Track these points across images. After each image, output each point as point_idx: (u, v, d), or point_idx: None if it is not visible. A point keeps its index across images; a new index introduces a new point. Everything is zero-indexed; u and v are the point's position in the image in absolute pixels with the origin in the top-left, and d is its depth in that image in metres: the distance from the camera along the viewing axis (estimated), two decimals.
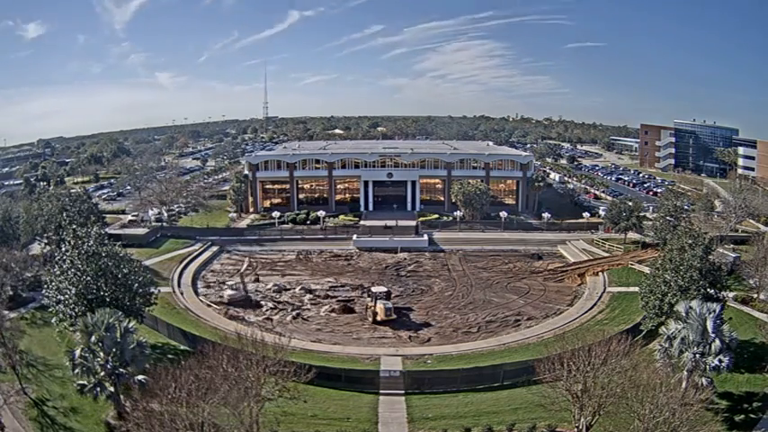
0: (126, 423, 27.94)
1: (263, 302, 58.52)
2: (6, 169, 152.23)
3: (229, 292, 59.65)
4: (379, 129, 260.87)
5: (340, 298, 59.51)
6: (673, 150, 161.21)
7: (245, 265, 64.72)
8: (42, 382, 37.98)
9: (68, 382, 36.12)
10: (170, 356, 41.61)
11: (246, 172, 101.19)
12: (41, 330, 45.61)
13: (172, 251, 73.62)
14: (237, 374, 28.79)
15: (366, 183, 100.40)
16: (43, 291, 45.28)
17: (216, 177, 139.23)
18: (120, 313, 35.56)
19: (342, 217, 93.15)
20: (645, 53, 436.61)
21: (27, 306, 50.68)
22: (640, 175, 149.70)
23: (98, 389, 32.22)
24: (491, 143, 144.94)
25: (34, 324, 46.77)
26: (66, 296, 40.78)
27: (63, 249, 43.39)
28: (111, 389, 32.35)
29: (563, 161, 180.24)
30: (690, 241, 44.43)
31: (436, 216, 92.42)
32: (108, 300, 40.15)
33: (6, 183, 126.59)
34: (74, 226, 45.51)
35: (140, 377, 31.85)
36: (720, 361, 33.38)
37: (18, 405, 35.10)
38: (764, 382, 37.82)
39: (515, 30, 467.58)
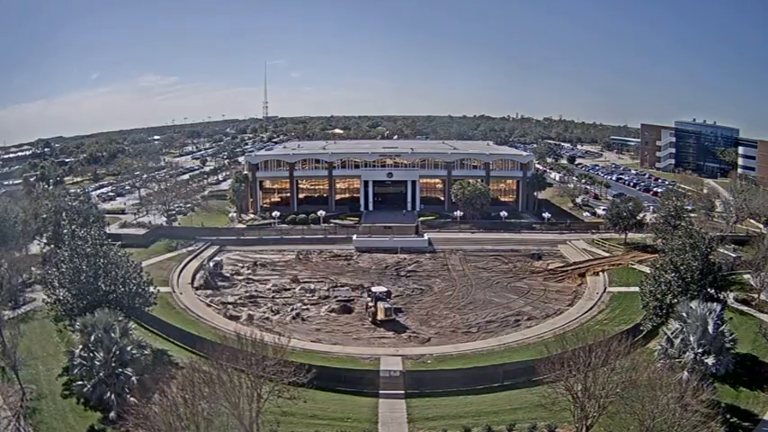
0: (125, 423, 27.84)
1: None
2: (6, 169, 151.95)
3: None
4: (379, 129, 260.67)
5: (340, 298, 59.46)
6: (673, 150, 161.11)
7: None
8: (41, 381, 37.89)
9: (68, 381, 36.11)
10: (169, 356, 41.51)
11: (246, 172, 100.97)
12: (40, 330, 45.50)
13: (171, 251, 73.58)
14: (237, 375, 28.70)
15: (366, 182, 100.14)
16: (42, 290, 45.26)
17: (215, 177, 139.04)
18: (120, 313, 35.56)
19: (342, 217, 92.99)
20: (645, 52, 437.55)
21: (26, 306, 50.51)
22: (641, 175, 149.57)
23: (97, 389, 32.18)
24: (491, 143, 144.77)
25: (33, 324, 46.61)
26: (65, 296, 40.72)
27: (62, 249, 43.34)
28: (111, 389, 32.26)
29: (563, 161, 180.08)
30: (690, 241, 44.37)
31: (436, 216, 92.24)
32: (107, 300, 40.08)
33: (5, 182, 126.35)
34: (73, 226, 45.46)
35: (139, 377, 31.78)
36: (721, 362, 33.33)
37: (17, 405, 35.06)
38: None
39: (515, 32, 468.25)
